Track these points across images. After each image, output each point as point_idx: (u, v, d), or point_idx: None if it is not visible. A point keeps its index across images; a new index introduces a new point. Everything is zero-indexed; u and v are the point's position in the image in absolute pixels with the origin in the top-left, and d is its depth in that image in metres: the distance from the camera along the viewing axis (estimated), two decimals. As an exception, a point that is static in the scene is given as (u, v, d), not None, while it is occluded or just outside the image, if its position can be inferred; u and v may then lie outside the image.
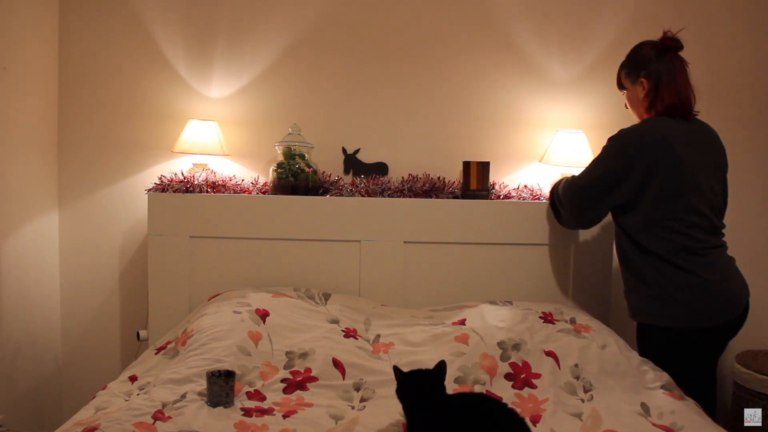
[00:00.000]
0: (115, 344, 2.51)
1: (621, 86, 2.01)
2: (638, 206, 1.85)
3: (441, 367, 1.41)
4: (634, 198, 1.85)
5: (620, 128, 1.91)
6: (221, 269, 2.21)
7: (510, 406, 1.36)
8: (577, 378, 1.76)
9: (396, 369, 1.42)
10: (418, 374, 1.42)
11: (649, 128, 1.85)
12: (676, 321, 1.80)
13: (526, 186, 2.42)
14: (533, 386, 1.73)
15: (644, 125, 1.87)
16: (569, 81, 2.51)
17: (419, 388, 1.37)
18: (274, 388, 1.68)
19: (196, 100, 2.46)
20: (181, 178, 2.24)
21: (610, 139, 1.90)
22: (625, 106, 2.02)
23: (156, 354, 1.89)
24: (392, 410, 1.55)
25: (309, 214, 2.21)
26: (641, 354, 1.88)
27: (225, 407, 1.54)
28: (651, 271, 1.84)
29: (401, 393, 1.40)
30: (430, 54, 2.50)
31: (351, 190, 2.29)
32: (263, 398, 1.63)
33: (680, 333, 1.80)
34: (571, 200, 2.00)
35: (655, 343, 1.88)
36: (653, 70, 1.88)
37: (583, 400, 1.70)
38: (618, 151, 1.86)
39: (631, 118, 2.01)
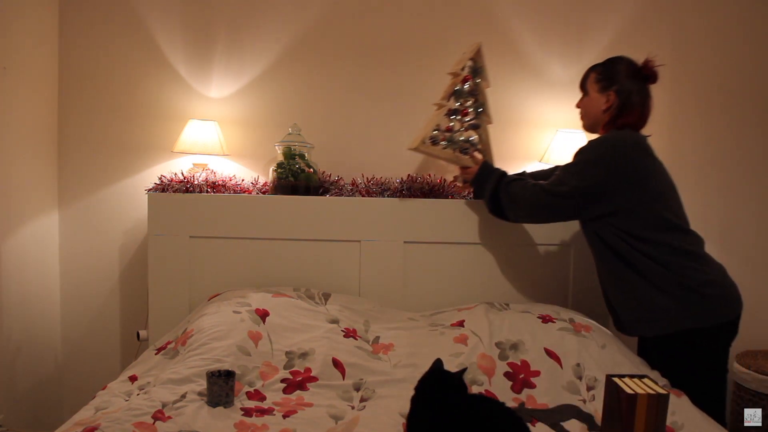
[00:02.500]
0: (115, 344, 2.51)
1: (584, 88, 1.97)
2: (639, 204, 1.80)
3: (460, 372, 1.41)
4: (631, 198, 1.80)
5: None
6: (221, 269, 2.21)
7: (507, 406, 1.36)
8: (580, 378, 1.76)
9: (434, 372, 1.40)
10: (439, 375, 1.40)
11: (627, 135, 1.85)
12: (706, 319, 1.73)
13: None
14: (532, 386, 1.73)
15: (620, 134, 1.86)
16: (569, 81, 2.51)
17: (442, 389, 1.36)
18: (274, 388, 1.68)
19: (196, 100, 2.46)
20: (181, 178, 2.24)
21: (589, 150, 1.86)
22: (577, 106, 2.00)
23: (156, 354, 1.89)
24: (392, 410, 1.55)
25: (309, 214, 2.21)
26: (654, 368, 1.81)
27: (225, 407, 1.54)
28: (666, 271, 1.76)
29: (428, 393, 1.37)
30: (430, 54, 2.50)
31: (351, 190, 2.30)
32: (263, 398, 1.63)
33: (706, 333, 1.72)
34: (542, 205, 1.90)
35: (676, 353, 1.78)
36: (626, 89, 1.86)
37: (585, 401, 1.70)
38: (606, 157, 1.81)
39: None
